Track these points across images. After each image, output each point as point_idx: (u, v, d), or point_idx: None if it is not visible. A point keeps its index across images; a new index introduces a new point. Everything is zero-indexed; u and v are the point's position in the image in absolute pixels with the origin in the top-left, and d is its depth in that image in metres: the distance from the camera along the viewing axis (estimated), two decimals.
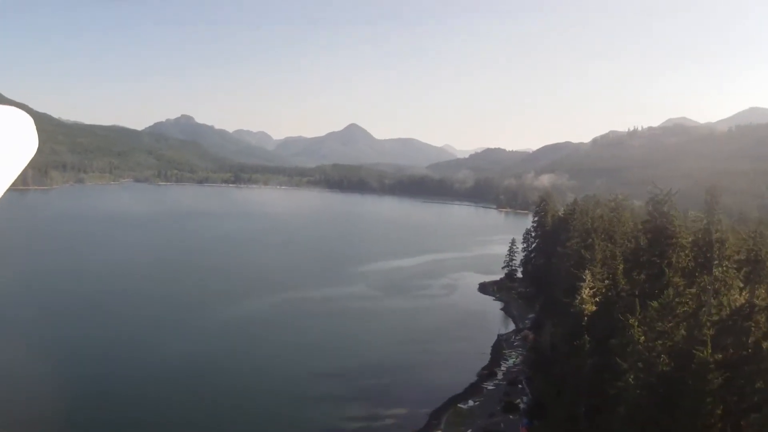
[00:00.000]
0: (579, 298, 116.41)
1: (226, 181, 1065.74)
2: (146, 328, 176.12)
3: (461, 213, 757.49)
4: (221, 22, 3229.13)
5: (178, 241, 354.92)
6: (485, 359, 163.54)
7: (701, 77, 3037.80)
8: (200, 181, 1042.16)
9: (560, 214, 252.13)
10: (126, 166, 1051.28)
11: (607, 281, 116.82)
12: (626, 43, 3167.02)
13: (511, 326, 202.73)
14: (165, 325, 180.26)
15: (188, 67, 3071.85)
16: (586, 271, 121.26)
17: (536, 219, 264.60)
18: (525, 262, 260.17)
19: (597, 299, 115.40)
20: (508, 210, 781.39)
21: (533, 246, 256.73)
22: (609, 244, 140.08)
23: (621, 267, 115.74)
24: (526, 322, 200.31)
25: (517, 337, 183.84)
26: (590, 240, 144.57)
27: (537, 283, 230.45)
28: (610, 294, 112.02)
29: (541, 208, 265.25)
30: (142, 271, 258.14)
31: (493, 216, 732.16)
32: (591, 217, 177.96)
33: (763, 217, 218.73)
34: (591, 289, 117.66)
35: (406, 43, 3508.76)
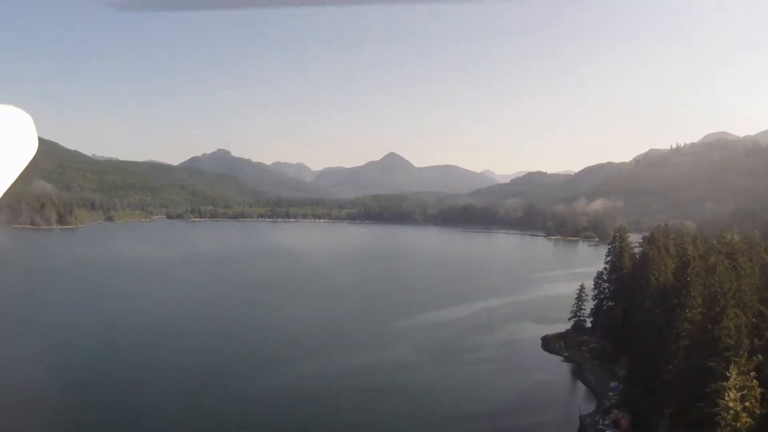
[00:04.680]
0: (722, 403, 78.85)
1: (262, 216, 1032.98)
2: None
3: (508, 243, 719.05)
4: (256, 57, 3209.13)
5: (198, 293, 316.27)
6: None
7: (737, 89, 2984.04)
8: (235, 216, 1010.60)
9: (635, 251, 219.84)
10: (158, 202, 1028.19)
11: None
12: (662, 59, 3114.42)
13: (592, 400, 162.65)
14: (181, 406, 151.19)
15: (224, 102, 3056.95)
16: (732, 368, 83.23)
17: (609, 259, 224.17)
18: (596, 311, 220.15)
19: (752, 407, 77.63)
20: (558, 238, 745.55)
21: (607, 292, 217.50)
22: (743, 315, 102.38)
23: None
24: (610, 394, 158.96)
25: (605, 422, 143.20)
26: (717, 309, 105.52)
27: (613, 337, 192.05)
28: None
29: (615, 245, 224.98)
30: (150, 337, 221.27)
31: (542, 245, 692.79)
32: (706, 268, 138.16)
33: None
34: (739, 391, 79.94)
35: (444, 70, 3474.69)
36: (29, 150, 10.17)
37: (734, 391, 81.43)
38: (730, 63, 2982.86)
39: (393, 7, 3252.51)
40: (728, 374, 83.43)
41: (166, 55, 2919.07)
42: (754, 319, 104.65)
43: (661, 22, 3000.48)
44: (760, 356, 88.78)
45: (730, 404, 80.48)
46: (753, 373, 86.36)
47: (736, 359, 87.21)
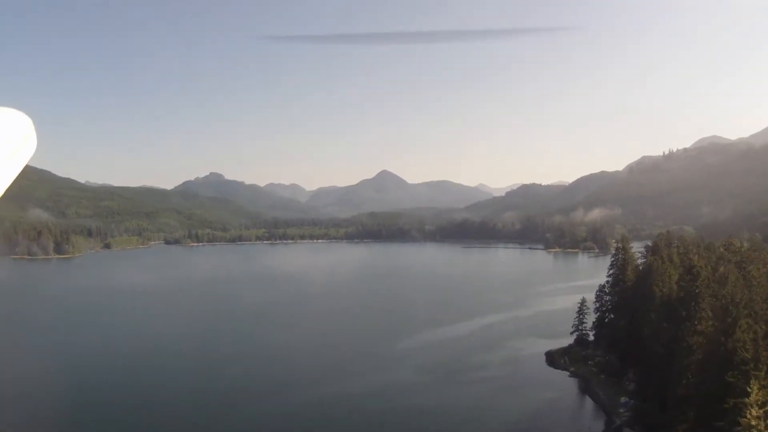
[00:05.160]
0: (743, 421, 75.47)
1: (260, 238, 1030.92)
2: None
3: (507, 258, 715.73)
4: (245, 76, 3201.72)
5: (200, 319, 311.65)
6: None
7: (727, 93, 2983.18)
8: (233, 240, 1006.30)
9: (638, 262, 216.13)
10: (155, 227, 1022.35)
11: None
12: (650, 66, 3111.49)
13: (601, 416, 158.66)
14: None
15: (215, 124, 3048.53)
16: (753, 383, 79.57)
17: (612, 272, 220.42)
18: (599, 324, 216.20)
19: None
20: (557, 250, 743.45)
21: (610, 305, 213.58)
22: (756, 325, 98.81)
23: None
24: (621, 410, 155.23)
25: None
26: (729, 320, 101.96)
27: (619, 350, 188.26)
28: None
29: (618, 257, 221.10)
30: (151, 364, 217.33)
31: (541, 258, 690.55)
32: (716, 279, 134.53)
33: None
34: (761, 407, 76.35)
35: (432, 85, 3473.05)
36: (28, 150, 10.05)
37: (756, 408, 77.75)
38: (720, 67, 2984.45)
39: (383, 26, 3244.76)
40: (749, 389, 79.76)
41: (155, 79, 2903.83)
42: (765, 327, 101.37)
43: (648, 30, 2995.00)
44: None
45: (753, 422, 76.78)
46: None
47: (756, 373, 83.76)
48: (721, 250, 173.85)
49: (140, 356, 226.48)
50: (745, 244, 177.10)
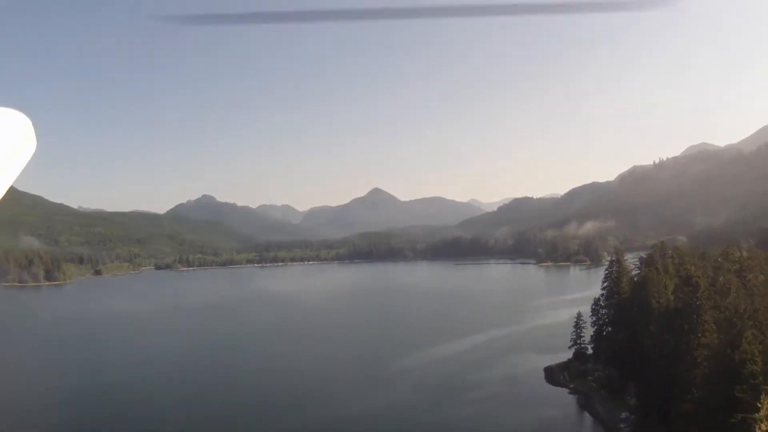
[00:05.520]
0: None
1: (251, 261, 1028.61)
2: None
3: (499, 273, 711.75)
4: (235, 96, 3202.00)
5: (192, 345, 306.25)
6: None
7: (715, 100, 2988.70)
8: (224, 264, 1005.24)
9: (633, 274, 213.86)
10: (146, 253, 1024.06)
11: None
12: (637, 75, 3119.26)
13: None
14: None
15: (206, 146, 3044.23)
16: (763, 398, 76.16)
17: (606, 284, 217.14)
18: (596, 338, 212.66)
19: None
20: (549, 264, 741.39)
21: (606, 318, 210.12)
22: (762, 335, 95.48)
23: None
24: (622, 426, 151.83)
25: None
26: (734, 332, 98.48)
27: (618, 364, 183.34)
28: None
29: (613, 270, 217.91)
30: (142, 390, 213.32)
31: (533, 273, 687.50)
32: (717, 290, 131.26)
33: None
34: None
35: (421, 101, 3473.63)
36: (28, 151, 10.02)
37: (766, 423, 74.36)
38: (707, 74, 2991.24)
39: (371, 44, 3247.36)
40: (759, 404, 76.37)
41: (146, 101, 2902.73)
42: None
43: (634, 39, 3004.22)
44: None
45: None
46: None
47: (766, 387, 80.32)
48: (720, 260, 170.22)
49: (131, 385, 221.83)
50: (744, 253, 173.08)
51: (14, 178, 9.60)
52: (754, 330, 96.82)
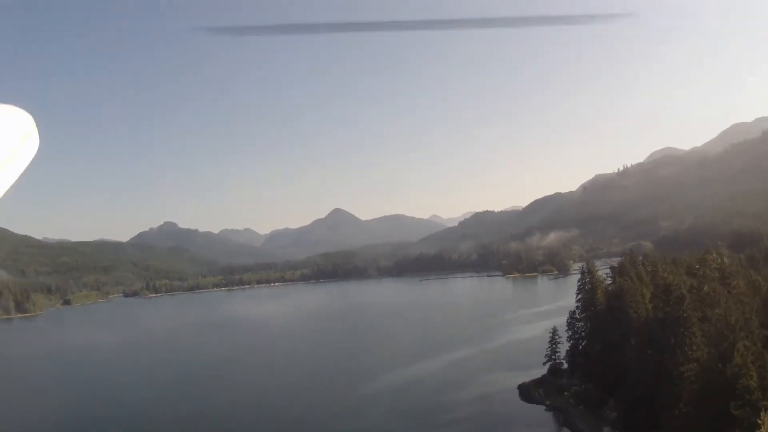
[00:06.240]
0: None
1: (217, 285, 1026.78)
2: None
3: (466, 287, 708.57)
4: (191, 121, 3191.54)
5: (159, 375, 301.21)
6: None
7: (678, 103, 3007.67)
8: (190, 289, 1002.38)
9: (607, 283, 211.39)
10: (113, 280, 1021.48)
11: None
12: (598, 82, 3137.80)
13: None
14: None
15: (167, 173, 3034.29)
16: (763, 415, 71.28)
17: (580, 297, 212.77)
18: (572, 352, 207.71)
19: None
20: (516, 275, 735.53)
21: (582, 331, 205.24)
22: (754, 346, 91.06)
23: None
24: None
25: None
26: (726, 344, 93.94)
27: (595, 378, 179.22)
28: None
29: (585, 282, 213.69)
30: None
31: (501, 285, 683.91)
32: (701, 299, 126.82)
33: None
34: None
35: (379, 119, 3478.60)
36: (30, 149, 10.23)
37: None
38: (668, 78, 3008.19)
39: (327, 66, 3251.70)
40: (759, 421, 71.54)
41: (102, 131, 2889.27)
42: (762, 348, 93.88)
43: (591, 48, 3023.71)
44: None
45: None
46: None
47: (765, 403, 75.74)
48: (698, 266, 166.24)
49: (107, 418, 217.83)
50: (725, 260, 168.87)
51: (17, 176, 9.68)
52: (746, 341, 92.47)
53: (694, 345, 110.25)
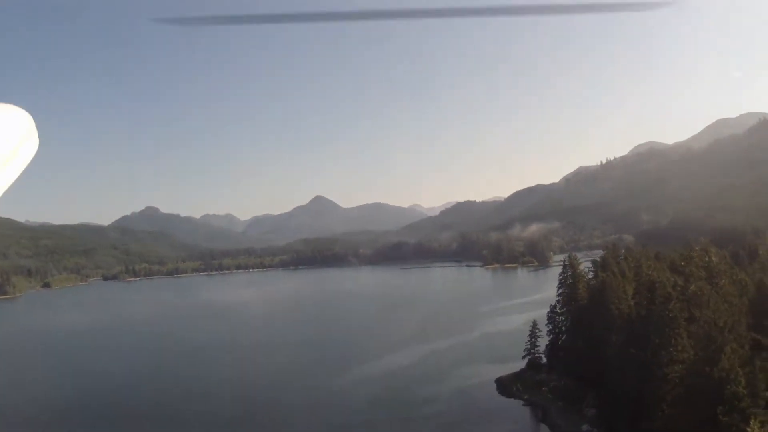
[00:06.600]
0: None
1: (196, 270, 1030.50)
2: None
3: (446, 276, 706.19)
4: (173, 107, 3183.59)
5: (140, 359, 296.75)
6: None
7: (661, 98, 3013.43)
8: (170, 273, 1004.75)
9: (588, 277, 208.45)
10: (93, 264, 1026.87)
11: None
12: (581, 75, 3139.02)
13: None
14: None
15: (149, 157, 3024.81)
16: (753, 422, 68.30)
17: (562, 290, 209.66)
18: (552, 347, 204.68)
19: None
20: (495, 266, 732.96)
21: (563, 325, 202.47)
22: (741, 349, 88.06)
23: None
24: None
25: None
26: (713, 347, 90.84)
27: (575, 373, 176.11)
28: None
29: (567, 275, 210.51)
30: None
31: (480, 275, 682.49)
32: (687, 298, 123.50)
33: None
34: None
35: (360, 107, 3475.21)
36: (30, 148, 10.24)
37: None
38: (652, 72, 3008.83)
39: (305, 51, 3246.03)
40: (748, 429, 68.51)
41: (86, 111, 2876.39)
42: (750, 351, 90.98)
43: (576, 39, 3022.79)
44: None
45: None
46: None
47: (755, 410, 72.71)
48: (683, 264, 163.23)
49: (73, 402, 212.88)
50: (714, 258, 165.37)
51: (17, 176, 9.63)
52: (733, 344, 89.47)
53: (680, 346, 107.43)
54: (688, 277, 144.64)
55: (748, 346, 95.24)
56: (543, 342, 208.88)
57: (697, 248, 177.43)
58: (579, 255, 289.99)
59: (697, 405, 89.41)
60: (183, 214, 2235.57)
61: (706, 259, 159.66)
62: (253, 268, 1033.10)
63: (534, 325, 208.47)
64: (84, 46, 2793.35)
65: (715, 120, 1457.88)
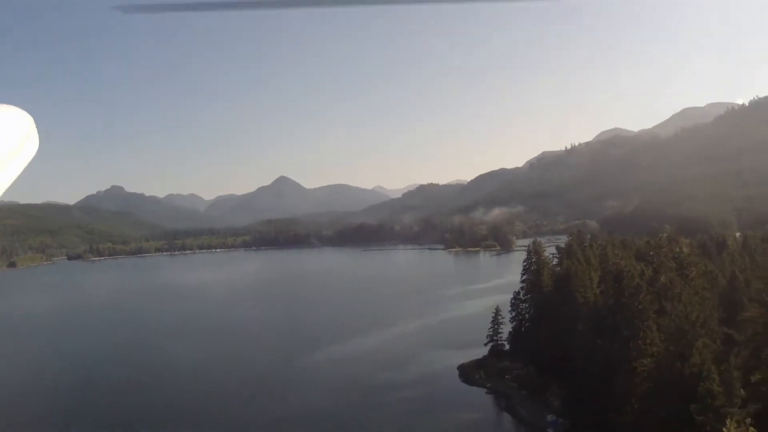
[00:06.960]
0: None
1: (159, 250, 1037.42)
2: None
3: (408, 259, 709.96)
4: (140, 87, 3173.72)
5: (88, 348, 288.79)
6: None
7: (627, 85, 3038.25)
8: (133, 253, 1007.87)
9: (554, 265, 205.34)
10: (58, 243, 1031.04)
11: None
12: (549, 62, 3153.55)
13: None
14: None
15: (115, 135, 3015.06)
16: (729, 423, 65.40)
17: (525, 277, 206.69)
18: (515, 334, 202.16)
19: None
20: (458, 249, 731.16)
21: (526, 313, 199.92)
22: (713, 343, 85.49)
23: None
24: (549, 431, 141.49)
25: None
26: (684, 341, 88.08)
27: (538, 362, 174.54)
28: None
29: (531, 262, 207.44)
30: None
31: (442, 259, 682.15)
32: (658, 291, 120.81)
33: None
34: None
35: (325, 87, 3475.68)
36: (30, 149, 10.39)
37: None
38: (619, 60, 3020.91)
39: (274, 32, 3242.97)
40: (725, 430, 65.69)
41: (52, 89, 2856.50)
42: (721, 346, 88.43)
43: (543, 25, 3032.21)
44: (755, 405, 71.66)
45: None
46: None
47: (731, 410, 69.99)
48: (651, 253, 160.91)
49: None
50: (684, 249, 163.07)
51: (16, 177, 9.80)
52: (705, 339, 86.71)
53: (650, 339, 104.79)
54: (657, 267, 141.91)
55: (719, 341, 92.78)
56: (506, 329, 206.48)
57: (664, 237, 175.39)
58: (542, 240, 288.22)
59: (668, 400, 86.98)
60: (148, 194, 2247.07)
61: (677, 249, 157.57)
62: (216, 248, 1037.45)
63: (497, 312, 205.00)
64: (50, 28, 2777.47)
65: (681, 109, 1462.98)
